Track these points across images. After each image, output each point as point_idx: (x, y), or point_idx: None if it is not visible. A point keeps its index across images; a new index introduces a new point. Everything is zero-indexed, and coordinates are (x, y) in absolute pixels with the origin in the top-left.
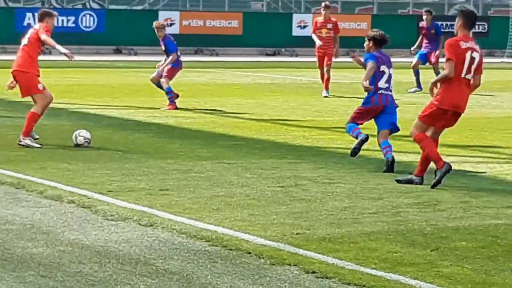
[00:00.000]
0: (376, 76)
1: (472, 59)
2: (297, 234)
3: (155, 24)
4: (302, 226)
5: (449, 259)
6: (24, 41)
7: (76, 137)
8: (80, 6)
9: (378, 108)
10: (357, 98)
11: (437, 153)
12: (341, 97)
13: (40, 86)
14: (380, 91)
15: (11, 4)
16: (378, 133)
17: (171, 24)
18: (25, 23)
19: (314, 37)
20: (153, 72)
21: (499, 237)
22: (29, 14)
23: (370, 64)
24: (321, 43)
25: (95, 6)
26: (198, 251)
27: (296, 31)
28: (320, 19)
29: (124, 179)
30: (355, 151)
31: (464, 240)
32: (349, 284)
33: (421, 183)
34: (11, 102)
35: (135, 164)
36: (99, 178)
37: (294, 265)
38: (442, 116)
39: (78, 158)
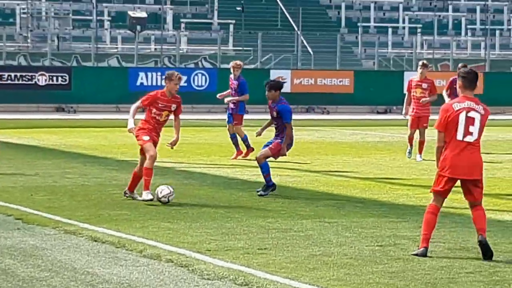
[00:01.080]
0: None
1: (470, 119)
2: None
3: (233, 64)
4: (397, 286)
5: None
6: None
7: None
8: (192, 65)
9: None
10: None
11: (427, 234)
12: None
13: (145, 138)
14: None
15: (124, 64)
16: None
17: (283, 83)
18: (138, 83)
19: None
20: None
21: None
22: (141, 74)
23: None
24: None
25: (207, 65)
26: None
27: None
28: (416, 78)
29: (223, 238)
30: None
31: None
32: None
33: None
34: (119, 161)
35: (235, 223)
36: (199, 237)
37: None
38: (449, 183)
39: (179, 217)
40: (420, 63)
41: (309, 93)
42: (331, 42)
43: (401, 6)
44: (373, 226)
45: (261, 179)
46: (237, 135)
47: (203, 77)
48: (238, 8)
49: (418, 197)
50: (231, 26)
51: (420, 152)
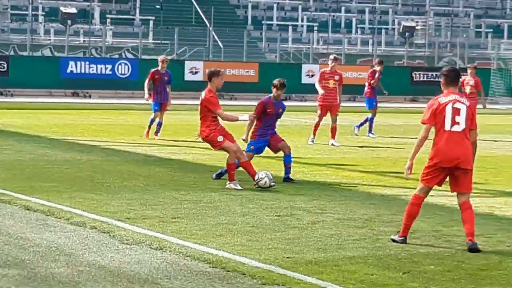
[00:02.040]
0: None
1: (456, 109)
2: (287, 258)
3: (162, 58)
4: (293, 251)
5: (418, 281)
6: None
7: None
8: (116, 56)
9: None
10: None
11: (408, 225)
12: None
13: (219, 139)
14: None
15: (56, 54)
16: None
17: (196, 72)
18: (68, 71)
19: (318, 86)
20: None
21: (464, 262)
22: (71, 63)
23: None
24: (323, 92)
25: (129, 56)
26: (199, 272)
27: (304, 79)
28: (327, 70)
29: (141, 208)
30: None
31: (432, 264)
32: None
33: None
34: (51, 140)
35: (152, 194)
36: (120, 207)
37: (282, 285)
38: (440, 173)
39: (103, 189)
40: (332, 57)
41: None
42: (238, 37)
43: (300, 7)
44: (273, 198)
45: (175, 156)
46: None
47: (126, 66)
48: (158, 6)
49: (312, 173)
50: (151, 22)
51: (333, 137)
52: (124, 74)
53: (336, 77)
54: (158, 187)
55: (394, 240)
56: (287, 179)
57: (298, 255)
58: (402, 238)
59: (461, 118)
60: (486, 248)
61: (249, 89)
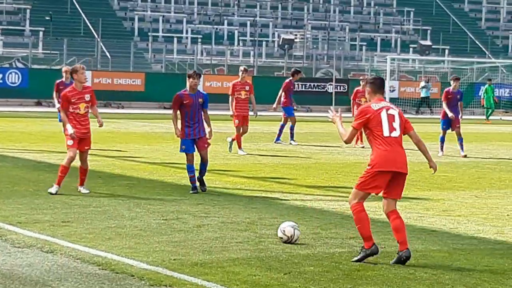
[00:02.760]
0: None
1: (390, 116)
2: (174, 260)
3: (66, 68)
4: (179, 253)
5: (298, 281)
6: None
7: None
8: (7, 65)
9: None
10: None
11: (365, 233)
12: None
13: (69, 142)
14: None
15: None
16: None
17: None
18: None
19: (231, 100)
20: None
21: (341, 263)
22: None
23: None
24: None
25: (20, 65)
26: (89, 274)
27: None
28: (238, 81)
29: (32, 212)
30: None
31: (312, 265)
32: None
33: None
34: None
35: (43, 199)
36: (11, 211)
37: (169, 286)
38: (380, 179)
39: None
40: (242, 68)
41: (107, 90)
42: (125, 48)
43: (184, 19)
44: (160, 203)
45: (60, 161)
46: None
47: (16, 75)
48: (47, 18)
49: None
50: (41, 33)
51: (240, 147)
52: (15, 83)
53: (247, 87)
54: (48, 192)
55: (361, 258)
56: (199, 179)
57: (184, 257)
58: (369, 248)
59: (396, 124)
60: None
61: (135, 98)
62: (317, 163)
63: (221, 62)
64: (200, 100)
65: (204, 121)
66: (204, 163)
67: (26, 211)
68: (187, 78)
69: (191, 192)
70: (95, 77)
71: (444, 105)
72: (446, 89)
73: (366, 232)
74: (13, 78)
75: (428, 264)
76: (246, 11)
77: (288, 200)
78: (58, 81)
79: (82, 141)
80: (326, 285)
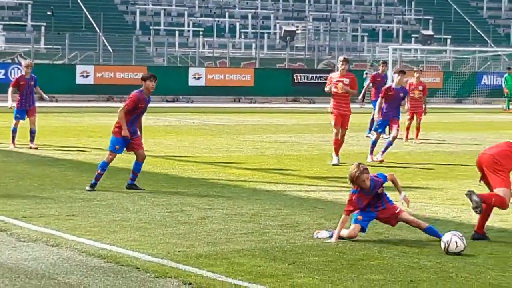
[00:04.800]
0: None
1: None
2: (179, 251)
3: (27, 62)
4: (184, 245)
5: (303, 271)
6: None
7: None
8: (9, 61)
9: None
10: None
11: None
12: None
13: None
14: None
15: None
16: None
17: (87, 76)
18: None
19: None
20: (68, 115)
21: (345, 252)
22: None
23: None
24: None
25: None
26: (95, 267)
27: (191, 82)
28: (336, 74)
29: (37, 207)
30: None
31: (316, 256)
32: None
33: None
34: None
35: (48, 194)
36: (16, 206)
37: (174, 278)
38: None
39: None
40: (341, 58)
41: (110, 84)
42: (127, 42)
43: (186, 12)
44: (164, 196)
45: (68, 156)
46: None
47: (19, 71)
48: (49, 13)
49: (200, 171)
50: (43, 28)
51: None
52: None
53: (346, 80)
54: (53, 186)
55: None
56: (130, 185)
57: (189, 249)
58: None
59: None
60: (366, 239)
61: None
62: (320, 153)
63: (223, 54)
64: (147, 105)
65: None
66: (141, 162)
67: (31, 206)
68: (146, 81)
69: (88, 189)
70: (97, 72)
71: (381, 101)
72: (387, 86)
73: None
74: (16, 73)
75: (432, 252)
76: (247, 3)
77: (292, 191)
78: (18, 76)
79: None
80: (330, 275)
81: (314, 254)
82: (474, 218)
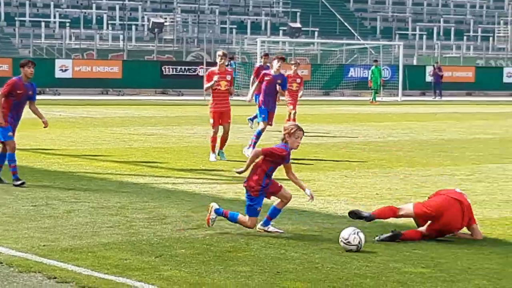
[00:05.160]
0: None
1: None
2: (43, 246)
3: None
4: (49, 239)
5: (170, 264)
6: None
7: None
8: None
9: None
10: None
11: None
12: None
13: None
14: None
15: None
16: None
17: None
18: None
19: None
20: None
21: (212, 245)
22: None
23: None
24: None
25: None
26: None
27: (58, 74)
28: (215, 70)
29: None
30: None
31: (183, 248)
32: (84, 287)
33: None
34: None
35: None
36: None
37: (39, 272)
38: None
39: None
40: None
41: None
42: None
43: (52, 3)
44: (29, 189)
45: None
46: None
47: None
48: None
49: (67, 164)
50: None
51: None
52: None
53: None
54: None
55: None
56: None
57: (54, 243)
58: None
59: None
60: (234, 231)
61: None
62: (188, 146)
63: (91, 46)
64: (30, 92)
65: (34, 113)
66: (8, 154)
67: None
68: (24, 67)
69: (18, 183)
70: None
71: (257, 85)
72: (264, 71)
73: None
74: None
75: (298, 244)
76: None
77: (159, 183)
78: None
79: None
80: (197, 267)
81: (181, 246)
82: (339, 209)
